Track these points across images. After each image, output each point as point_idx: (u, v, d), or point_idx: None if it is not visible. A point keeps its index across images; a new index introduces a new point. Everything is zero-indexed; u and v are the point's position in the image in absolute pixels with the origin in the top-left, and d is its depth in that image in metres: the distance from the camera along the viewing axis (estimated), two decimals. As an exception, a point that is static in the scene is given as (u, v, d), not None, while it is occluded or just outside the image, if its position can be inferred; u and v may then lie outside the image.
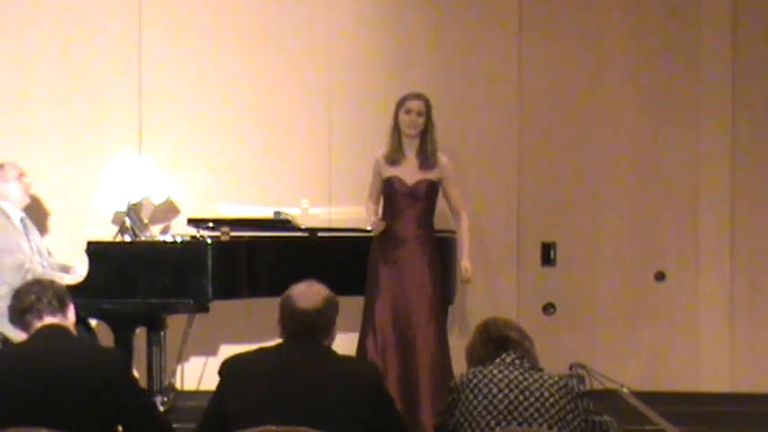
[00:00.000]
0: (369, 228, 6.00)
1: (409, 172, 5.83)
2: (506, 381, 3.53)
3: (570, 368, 7.14)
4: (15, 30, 7.09)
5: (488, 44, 7.37)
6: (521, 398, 3.50)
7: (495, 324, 3.74)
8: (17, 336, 3.79)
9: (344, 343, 5.13)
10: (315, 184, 7.21)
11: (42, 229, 6.43)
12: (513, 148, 7.41)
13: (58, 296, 3.65)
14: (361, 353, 5.75)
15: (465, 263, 5.96)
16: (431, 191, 5.87)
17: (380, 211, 5.96)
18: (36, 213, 6.64)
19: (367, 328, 5.78)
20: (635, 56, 7.44)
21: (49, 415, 3.31)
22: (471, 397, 3.53)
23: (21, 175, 6.18)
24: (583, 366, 7.15)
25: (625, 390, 7.21)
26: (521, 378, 3.54)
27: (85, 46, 7.12)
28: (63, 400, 3.37)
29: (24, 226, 6.08)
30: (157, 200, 7.00)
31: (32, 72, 7.10)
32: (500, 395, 3.50)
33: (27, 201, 6.21)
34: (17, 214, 6.07)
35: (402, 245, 5.82)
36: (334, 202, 7.16)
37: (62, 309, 3.65)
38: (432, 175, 5.85)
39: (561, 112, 7.45)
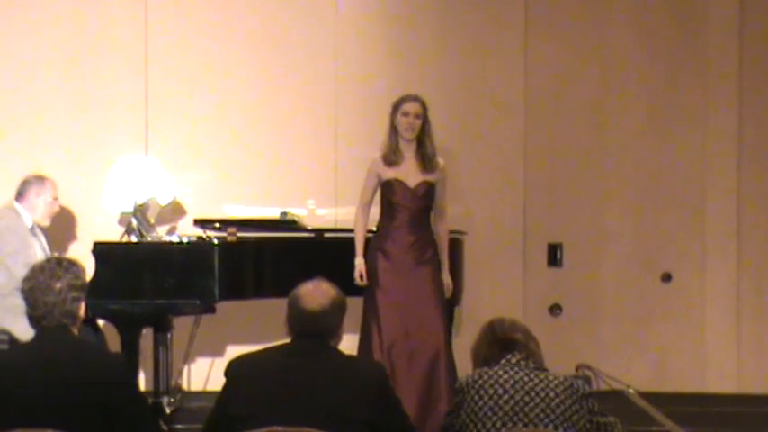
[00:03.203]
0: (374, 229, 5.98)
1: (410, 174, 5.80)
2: (512, 381, 3.53)
3: (577, 369, 7.14)
4: (23, 34, 7.10)
5: (495, 45, 7.37)
6: (526, 398, 3.49)
7: (501, 325, 3.73)
8: (23, 333, 3.79)
9: (350, 343, 5.15)
10: (321, 185, 7.22)
11: (49, 229, 6.42)
12: (520, 148, 7.41)
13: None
14: (364, 350, 5.71)
15: (446, 278, 5.86)
16: (431, 193, 5.84)
17: (372, 216, 5.93)
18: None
19: (370, 325, 5.72)
20: (641, 57, 7.44)
21: (55, 417, 3.32)
22: (477, 398, 3.52)
23: (55, 200, 6.20)
24: (589, 368, 7.14)
25: (631, 390, 7.20)
26: (526, 379, 3.54)
27: (93, 48, 7.14)
28: (70, 401, 3.37)
29: (34, 233, 6.11)
30: (164, 201, 7.00)
31: (40, 74, 7.12)
32: (505, 396, 3.50)
33: (47, 224, 6.22)
34: (29, 221, 6.09)
35: (402, 246, 5.77)
36: (341, 203, 7.16)
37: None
38: (431, 178, 5.82)
39: (567, 114, 7.45)
